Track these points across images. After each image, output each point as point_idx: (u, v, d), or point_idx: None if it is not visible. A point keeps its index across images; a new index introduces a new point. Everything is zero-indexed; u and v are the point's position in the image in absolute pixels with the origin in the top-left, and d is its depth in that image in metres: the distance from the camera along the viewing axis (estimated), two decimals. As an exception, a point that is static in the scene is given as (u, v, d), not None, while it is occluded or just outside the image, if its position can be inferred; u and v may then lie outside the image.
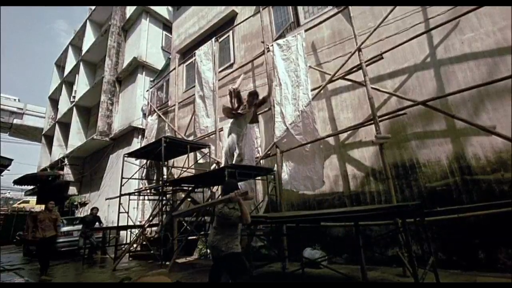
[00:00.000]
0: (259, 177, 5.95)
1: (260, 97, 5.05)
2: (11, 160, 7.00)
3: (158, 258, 5.78)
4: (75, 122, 15.10)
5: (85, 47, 15.88)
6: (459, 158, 4.00)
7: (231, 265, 2.82)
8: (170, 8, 12.80)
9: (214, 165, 6.91)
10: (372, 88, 4.62)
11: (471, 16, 4.18)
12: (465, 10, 4.14)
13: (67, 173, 14.09)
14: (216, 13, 8.91)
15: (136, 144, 10.95)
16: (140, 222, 9.17)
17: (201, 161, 7.60)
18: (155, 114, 10.08)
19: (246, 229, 4.69)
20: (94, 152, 13.98)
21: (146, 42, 12.63)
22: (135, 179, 8.12)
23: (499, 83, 3.69)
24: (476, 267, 3.56)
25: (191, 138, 8.00)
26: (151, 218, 7.37)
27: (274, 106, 5.86)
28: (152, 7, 12.96)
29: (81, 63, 16.13)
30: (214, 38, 7.89)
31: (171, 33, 11.66)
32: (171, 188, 6.84)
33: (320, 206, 5.27)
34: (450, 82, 4.25)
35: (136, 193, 7.91)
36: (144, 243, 7.50)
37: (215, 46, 7.78)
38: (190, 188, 6.45)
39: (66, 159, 14.28)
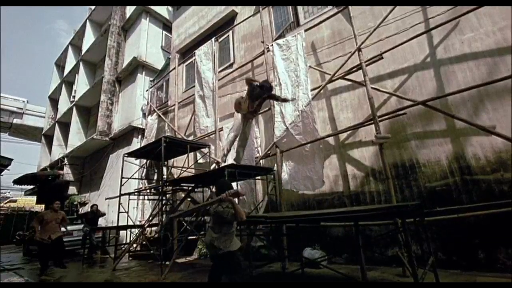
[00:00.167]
0: (259, 177, 5.96)
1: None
2: (11, 159, 7.00)
3: (158, 258, 5.77)
4: (75, 122, 15.11)
5: (85, 47, 15.88)
6: (459, 158, 4.00)
7: (228, 264, 2.83)
8: (170, 8, 12.79)
9: (214, 165, 6.91)
10: (372, 88, 4.62)
11: (471, 16, 4.18)
12: (465, 10, 4.14)
13: (67, 172, 14.09)
14: (216, 13, 8.91)
15: (136, 144, 10.95)
16: (140, 222, 9.17)
17: (201, 161, 7.60)
18: (155, 114, 10.08)
19: (246, 229, 4.70)
20: (94, 152, 13.98)
21: (146, 42, 12.63)
22: (135, 179, 8.11)
23: (499, 83, 3.69)
24: (476, 267, 3.56)
25: (191, 138, 8.00)
26: (151, 218, 7.37)
27: (274, 106, 5.86)
28: (152, 7, 12.96)
29: (81, 63, 16.13)
30: (214, 38, 7.89)
31: (171, 33, 11.65)
32: (171, 188, 6.83)
33: (320, 206, 5.27)
34: (450, 82, 4.25)
35: (136, 193, 7.91)
36: (144, 243, 7.50)
37: (215, 46, 7.78)
38: (190, 188, 6.45)
39: (66, 159, 14.29)
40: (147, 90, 11.54)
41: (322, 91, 5.50)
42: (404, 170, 4.46)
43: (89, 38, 16.11)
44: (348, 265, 4.42)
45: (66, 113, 16.05)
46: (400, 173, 4.48)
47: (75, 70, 16.90)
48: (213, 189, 3.23)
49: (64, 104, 17.32)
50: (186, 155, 6.98)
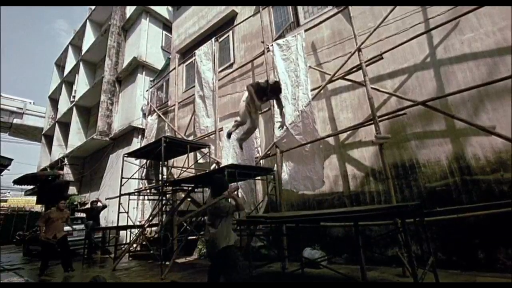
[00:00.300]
0: (259, 177, 5.96)
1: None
2: (11, 159, 7.00)
3: (158, 258, 5.77)
4: (75, 122, 15.11)
5: (85, 47, 15.88)
6: (459, 158, 4.00)
7: (226, 260, 2.87)
8: (170, 8, 12.79)
9: (214, 165, 6.92)
10: (372, 88, 4.62)
11: (471, 17, 4.18)
12: (465, 10, 4.14)
13: (67, 172, 14.10)
14: (216, 13, 8.91)
15: (136, 144, 10.95)
16: (140, 222, 9.17)
17: (201, 161, 7.60)
18: (155, 114, 10.08)
19: (246, 229, 4.69)
20: (94, 152, 13.98)
21: (146, 42, 12.63)
22: (135, 179, 8.12)
23: (498, 83, 3.69)
24: (475, 267, 3.56)
25: (191, 138, 8.00)
26: (151, 218, 7.38)
27: (273, 106, 5.85)
28: (152, 7, 12.96)
29: (81, 63, 16.13)
30: (214, 38, 7.89)
31: (171, 33, 11.65)
32: (171, 188, 6.84)
33: (320, 206, 5.27)
34: (450, 82, 4.25)
35: (136, 193, 7.91)
36: (144, 243, 7.50)
37: (215, 46, 7.78)
38: (190, 188, 6.45)
39: (66, 159, 14.29)
40: (147, 90, 11.54)
41: (322, 91, 5.50)
42: (404, 170, 4.46)
43: (89, 38, 16.11)
44: (348, 265, 4.42)
45: (66, 113, 16.05)
46: (400, 173, 4.48)
47: (75, 70, 16.90)
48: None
49: (64, 104, 17.32)
50: (186, 155, 6.98)
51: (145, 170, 9.35)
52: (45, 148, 18.63)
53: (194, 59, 8.39)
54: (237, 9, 8.23)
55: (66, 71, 17.98)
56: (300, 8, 6.66)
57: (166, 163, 7.91)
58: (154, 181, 9.24)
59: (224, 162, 6.55)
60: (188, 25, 10.29)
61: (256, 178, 5.92)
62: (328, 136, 5.27)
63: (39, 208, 20.98)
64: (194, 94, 8.10)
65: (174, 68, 9.74)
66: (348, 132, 5.16)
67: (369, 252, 4.38)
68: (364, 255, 3.54)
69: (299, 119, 5.34)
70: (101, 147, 13.24)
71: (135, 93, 12.01)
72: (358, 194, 4.87)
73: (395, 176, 4.44)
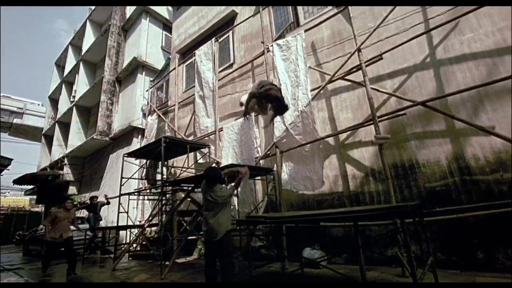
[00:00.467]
0: (259, 177, 5.96)
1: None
2: (11, 159, 6.99)
3: (158, 258, 5.78)
4: (75, 122, 15.11)
5: (85, 47, 15.88)
6: (459, 158, 4.01)
7: (223, 247, 2.99)
8: (170, 8, 12.80)
9: (214, 165, 6.92)
10: (371, 88, 4.63)
11: (470, 17, 4.18)
12: (465, 10, 4.14)
13: (67, 172, 14.09)
14: (216, 13, 8.91)
15: (136, 144, 10.95)
16: (140, 222, 9.18)
17: (201, 161, 7.60)
18: (155, 114, 10.08)
19: (246, 229, 4.70)
20: (94, 152, 13.98)
21: (146, 42, 12.63)
22: (135, 179, 8.12)
23: (498, 84, 3.70)
24: (475, 267, 3.56)
25: (191, 138, 8.01)
26: (150, 218, 7.38)
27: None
28: (152, 7, 12.95)
29: (81, 63, 16.13)
30: (214, 38, 7.89)
31: (171, 33, 11.65)
32: (171, 188, 6.84)
33: (320, 206, 5.28)
34: (450, 82, 4.25)
35: (135, 193, 7.92)
36: (144, 243, 7.50)
37: (215, 46, 7.78)
38: (189, 188, 6.45)
39: (66, 159, 14.29)
40: (147, 90, 11.54)
41: (322, 91, 5.50)
42: (404, 170, 4.46)
43: (89, 38, 16.11)
44: (347, 265, 4.43)
45: (66, 113, 16.04)
46: (400, 173, 4.48)
47: (75, 70, 16.90)
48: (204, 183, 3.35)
49: (64, 104, 17.32)
50: (186, 155, 6.98)
51: (145, 170, 9.35)
52: (45, 148, 18.63)
53: (194, 59, 8.39)
54: (237, 9, 8.23)
55: (66, 71, 17.98)
56: (300, 8, 6.67)
57: (166, 163, 7.91)
58: (154, 181, 9.24)
59: (224, 162, 6.56)
60: (188, 25, 10.29)
61: (256, 178, 5.92)
62: (328, 136, 5.27)
63: (39, 208, 20.98)
64: (194, 94, 8.10)
65: (174, 68, 9.74)
66: (348, 132, 5.17)
67: (368, 252, 4.38)
68: (363, 255, 3.55)
69: (299, 119, 5.35)
70: (101, 147, 13.24)
71: (135, 93, 12.01)
72: (357, 194, 4.87)
73: (394, 176, 4.45)
